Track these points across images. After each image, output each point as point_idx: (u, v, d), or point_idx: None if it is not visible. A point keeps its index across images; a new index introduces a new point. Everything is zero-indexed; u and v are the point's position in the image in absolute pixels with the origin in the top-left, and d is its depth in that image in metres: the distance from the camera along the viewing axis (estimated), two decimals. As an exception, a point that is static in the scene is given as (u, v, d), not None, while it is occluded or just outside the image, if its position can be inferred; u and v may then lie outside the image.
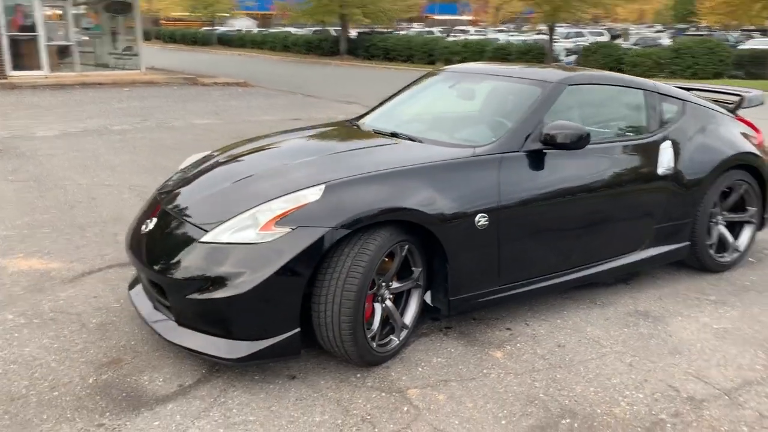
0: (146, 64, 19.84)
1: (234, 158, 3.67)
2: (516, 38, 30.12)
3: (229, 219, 2.95)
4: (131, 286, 3.53)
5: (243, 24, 53.57)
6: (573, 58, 25.70)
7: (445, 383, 2.96)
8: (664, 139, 3.91)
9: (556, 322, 3.59)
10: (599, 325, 3.56)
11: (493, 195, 3.22)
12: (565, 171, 3.49)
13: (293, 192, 2.98)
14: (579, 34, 39.40)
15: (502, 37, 32.40)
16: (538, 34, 38.92)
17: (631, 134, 3.92)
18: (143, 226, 3.29)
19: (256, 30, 48.64)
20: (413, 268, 3.17)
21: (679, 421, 2.69)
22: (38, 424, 2.64)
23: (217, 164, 3.63)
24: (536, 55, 24.78)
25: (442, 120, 4.03)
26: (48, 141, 8.84)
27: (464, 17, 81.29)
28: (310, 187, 2.99)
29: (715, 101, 4.62)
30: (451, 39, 30.02)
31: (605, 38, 42.12)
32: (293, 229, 2.82)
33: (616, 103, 4.00)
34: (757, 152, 4.27)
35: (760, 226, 4.40)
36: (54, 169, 7.13)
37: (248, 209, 2.96)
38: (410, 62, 29.45)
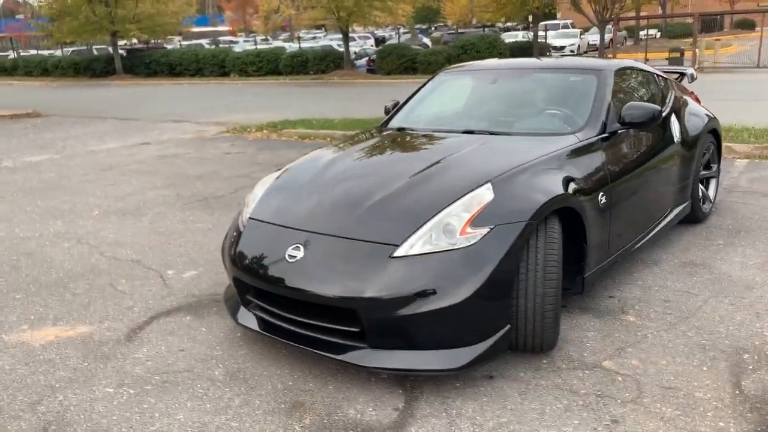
0: None
1: (345, 176, 3.48)
2: (307, 45, 30.56)
3: (415, 231, 2.87)
4: (257, 326, 3.21)
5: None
6: (364, 60, 26.88)
7: (622, 350, 3.19)
8: (671, 113, 4.53)
9: (638, 283, 3.99)
10: (672, 278, 4.03)
11: (604, 175, 3.52)
12: (635, 146, 3.92)
13: (465, 194, 2.98)
14: (351, 39, 41.16)
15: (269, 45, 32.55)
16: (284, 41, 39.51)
17: (658, 110, 4.46)
18: (287, 257, 3.02)
19: (-3, 55, 42.99)
20: (551, 254, 3.33)
21: (817, 337, 3.24)
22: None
23: (334, 180, 3.43)
24: (333, 59, 25.48)
25: (505, 114, 4.18)
26: None
27: (220, 28, 79.98)
28: (478, 187, 3.01)
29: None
30: (242, 50, 29.53)
31: (371, 41, 44.73)
32: (492, 229, 2.84)
33: (641, 85, 4.52)
34: (715, 117, 5.11)
35: (718, 178, 5.27)
36: (-66, 229, 5.89)
37: (430, 218, 2.90)
38: (200, 76, 28.47)
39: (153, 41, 37.80)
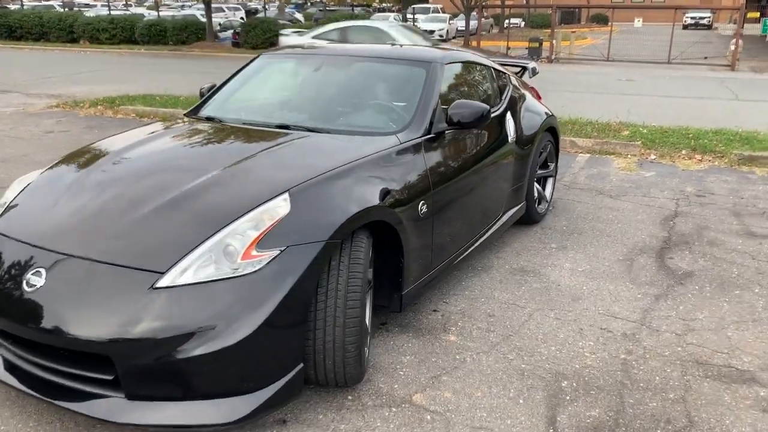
0: None
1: (115, 177, 2.87)
2: (165, 13, 28.57)
3: (187, 254, 2.34)
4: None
5: None
6: (229, 33, 25.55)
7: (437, 379, 2.86)
8: (507, 110, 4.28)
9: (465, 293, 3.72)
10: (500, 288, 3.79)
11: (426, 181, 3.16)
12: (463, 147, 3.60)
13: (256, 207, 2.50)
14: (219, 9, 39.31)
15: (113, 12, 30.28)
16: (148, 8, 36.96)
17: (492, 107, 4.16)
18: (25, 285, 2.39)
19: None
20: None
21: (636, 357, 3.07)
22: None
23: (99, 186, 2.79)
24: (195, 30, 24.00)
25: (325, 107, 3.67)
26: None
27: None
28: (272, 198, 2.54)
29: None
30: (92, 14, 27.08)
31: (242, 13, 43.01)
32: (282, 251, 2.38)
33: (475, 79, 4.20)
34: (553, 114, 4.95)
35: (555, 177, 5.15)
36: None
37: (207, 238, 2.39)
38: (45, 40, 25.88)
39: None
